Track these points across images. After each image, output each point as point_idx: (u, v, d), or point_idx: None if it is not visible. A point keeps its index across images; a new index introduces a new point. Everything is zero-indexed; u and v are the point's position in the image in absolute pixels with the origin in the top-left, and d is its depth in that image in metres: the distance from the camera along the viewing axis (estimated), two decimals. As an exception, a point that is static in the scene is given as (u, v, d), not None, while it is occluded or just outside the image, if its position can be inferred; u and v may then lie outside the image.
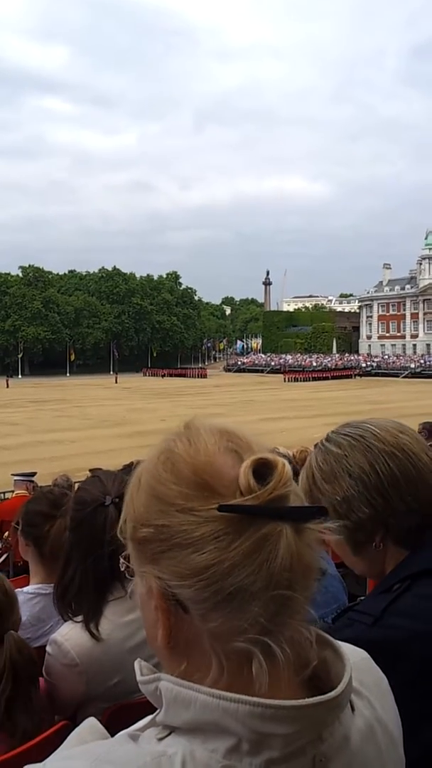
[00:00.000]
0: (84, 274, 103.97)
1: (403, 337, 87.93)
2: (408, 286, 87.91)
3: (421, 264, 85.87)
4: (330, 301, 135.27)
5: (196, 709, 0.60)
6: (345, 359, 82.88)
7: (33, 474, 7.35)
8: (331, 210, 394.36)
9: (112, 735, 0.71)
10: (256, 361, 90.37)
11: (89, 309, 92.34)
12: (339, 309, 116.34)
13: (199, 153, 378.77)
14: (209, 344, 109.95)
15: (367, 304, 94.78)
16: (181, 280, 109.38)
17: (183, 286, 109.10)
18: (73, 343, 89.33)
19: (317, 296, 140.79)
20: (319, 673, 0.66)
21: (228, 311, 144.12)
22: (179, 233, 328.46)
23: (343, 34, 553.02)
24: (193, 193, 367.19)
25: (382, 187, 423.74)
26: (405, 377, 67.93)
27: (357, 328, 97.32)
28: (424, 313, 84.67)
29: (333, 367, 76.82)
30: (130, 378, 72.65)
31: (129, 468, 4.01)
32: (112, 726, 0.80)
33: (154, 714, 0.66)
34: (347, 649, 0.71)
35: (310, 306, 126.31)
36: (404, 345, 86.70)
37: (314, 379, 67.31)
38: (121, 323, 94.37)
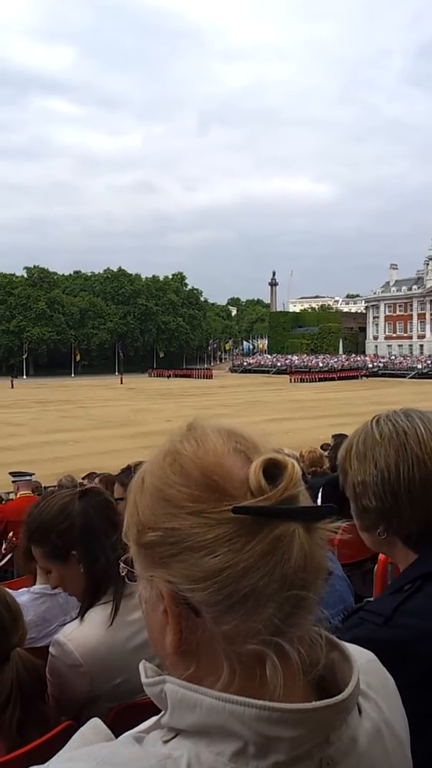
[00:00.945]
0: (89, 274, 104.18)
1: (410, 337, 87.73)
2: (415, 287, 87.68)
3: (428, 264, 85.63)
4: (336, 301, 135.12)
5: (202, 711, 0.59)
6: (351, 360, 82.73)
7: (31, 474, 7.34)
8: (336, 211, 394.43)
9: (117, 735, 0.71)
10: (262, 362, 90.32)
11: (94, 310, 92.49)
12: (345, 309, 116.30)
13: (204, 154, 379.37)
14: (215, 345, 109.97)
15: (373, 305, 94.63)
16: (186, 281, 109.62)
17: (189, 287, 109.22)
18: (78, 344, 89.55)
19: (323, 297, 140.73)
20: (326, 675, 0.66)
21: (234, 312, 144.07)
22: (183, 234, 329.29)
23: (347, 34, 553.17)
24: (197, 194, 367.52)
25: (387, 188, 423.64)
26: (412, 378, 67.73)
27: (363, 329, 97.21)
28: (431, 314, 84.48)
29: (339, 367, 76.62)
30: (135, 379, 72.76)
31: (128, 471, 3.97)
32: (117, 726, 0.80)
33: (159, 716, 0.66)
34: (354, 650, 0.71)
35: (317, 307, 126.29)
36: (411, 345, 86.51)
37: (320, 379, 67.17)
38: (127, 324, 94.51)
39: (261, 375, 78.54)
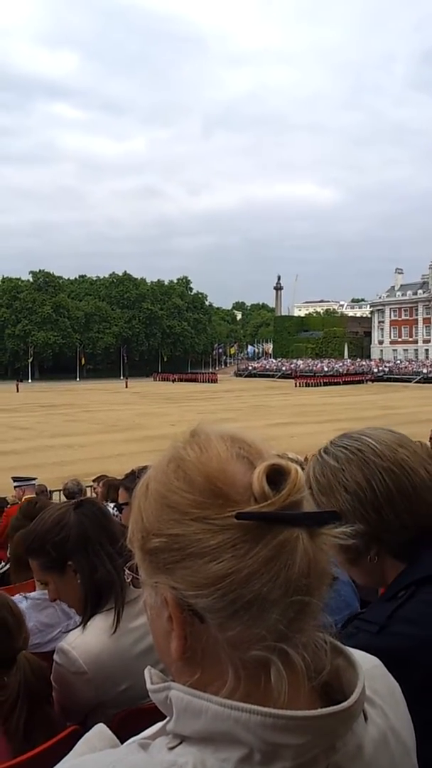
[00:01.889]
0: (94, 279, 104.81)
1: (416, 342, 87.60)
2: (420, 291, 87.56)
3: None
4: (341, 306, 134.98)
5: (207, 718, 0.59)
6: (357, 364, 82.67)
7: (33, 479, 7.35)
8: (341, 215, 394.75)
9: (122, 741, 0.71)
10: (267, 366, 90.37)
11: (99, 314, 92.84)
12: (350, 314, 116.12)
13: (208, 159, 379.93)
14: (221, 349, 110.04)
15: (379, 309, 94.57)
16: (191, 285, 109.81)
17: (193, 291, 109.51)
18: (83, 348, 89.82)
19: (329, 301, 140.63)
20: (331, 681, 0.66)
21: (239, 316, 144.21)
22: (187, 239, 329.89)
23: (352, 39, 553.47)
24: (201, 199, 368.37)
25: (392, 192, 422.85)
26: (417, 382, 67.57)
27: (369, 333, 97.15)
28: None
29: (344, 372, 76.64)
30: (140, 382, 72.85)
31: (132, 476, 3.98)
32: (122, 732, 0.79)
33: (164, 722, 0.66)
34: (359, 656, 0.71)
35: (322, 311, 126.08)
36: (416, 350, 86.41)
37: (325, 384, 67.04)
38: (132, 328, 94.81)
39: (266, 379, 78.63)
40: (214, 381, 75.58)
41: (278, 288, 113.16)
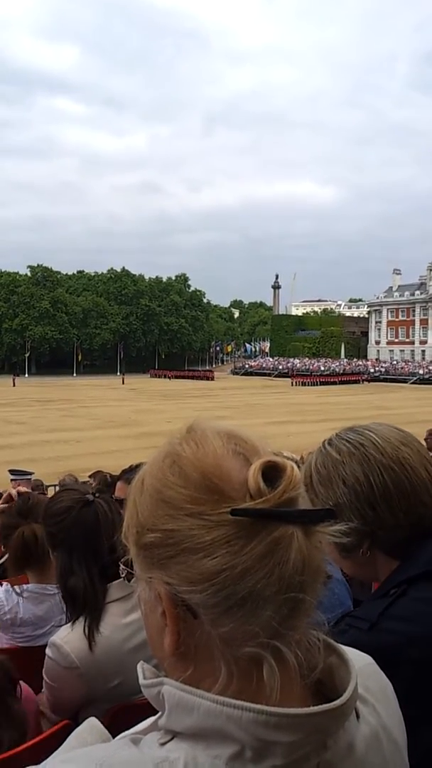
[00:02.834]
0: (93, 274, 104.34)
1: (412, 343, 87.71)
2: (418, 292, 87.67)
3: (431, 270, 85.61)
4: (339, 305, 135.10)
5: (200, 714, 0.59)
6: (353, 364, 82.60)
7: (31, 473, 7.33)
8: (341, 214, 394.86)
9: (114, 735, 0.70)
10: (264, 365, 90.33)
11: (97, 309, 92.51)
12: (348, 314, 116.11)
13: (209, 156, 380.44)
14: (218, 347, 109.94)
15: (376, 310, 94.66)
16: (189, 283, 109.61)
17: (192, 289, 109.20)
18: (80, 344, 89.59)
19: (326, 300, 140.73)
20: (324, 678, 0.66)
21: (236, 314, 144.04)
22: (187, 235, 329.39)
23: (354, 38, 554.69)
24: (201, 196, 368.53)
25: (392, 193, 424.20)
26: (413, 383, 67.62)
27: (366, 333, 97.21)
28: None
29: (341, 372, 76.56)
30: (136, 379, 72.76)
31: (129, 471, 3.98)
32: (114, 727, 0.79)
33: (156, 717, 0.66)
34: (352, 654, 0.71)
35: (319, 310, 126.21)
36: (413, 351, 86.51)
37: (322, 383, 66.93)
38: (129, 324, 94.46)
39: (262, 378, 78.50)
40: (211, 378, 75.36)
41: (276, 287, 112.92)
